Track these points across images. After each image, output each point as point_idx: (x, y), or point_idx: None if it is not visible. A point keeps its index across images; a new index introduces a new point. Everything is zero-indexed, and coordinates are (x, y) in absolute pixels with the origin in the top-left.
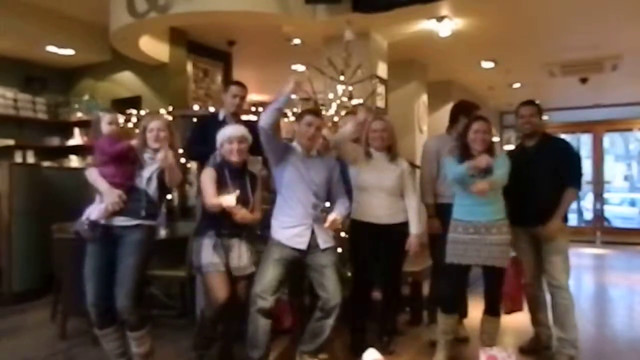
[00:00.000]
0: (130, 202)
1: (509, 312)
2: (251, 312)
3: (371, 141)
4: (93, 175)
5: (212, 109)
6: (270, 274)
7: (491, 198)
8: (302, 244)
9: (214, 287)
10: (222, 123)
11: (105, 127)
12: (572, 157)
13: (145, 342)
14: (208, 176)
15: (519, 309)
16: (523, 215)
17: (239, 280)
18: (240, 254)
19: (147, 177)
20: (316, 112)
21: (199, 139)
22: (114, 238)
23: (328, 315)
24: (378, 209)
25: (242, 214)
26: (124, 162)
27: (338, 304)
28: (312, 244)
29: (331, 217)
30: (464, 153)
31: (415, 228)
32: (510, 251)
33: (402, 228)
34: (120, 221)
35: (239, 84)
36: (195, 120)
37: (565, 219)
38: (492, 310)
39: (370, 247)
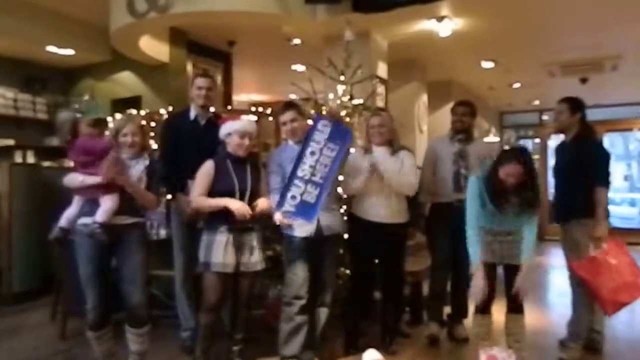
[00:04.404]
0: (126, 201)
1: (622, 305)
2: (288, 314)
3: (371, 137)
4: (79, 178)
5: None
6: (300, 273)
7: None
8: (308, 232)
9: (211, 287)
10: (194, 122)
11: (84, 129)
12: (597, 157)
13: (146, 340)
14: (204, 172)
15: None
16: (555, 210)
17: (245, 275)
18: (253, 250)
19: (136, 178)
20: (286, 105)
21: (170, 153)
22: (114, 237)
23: (322, 304)
24: (379, 207)
25: (243, 211)
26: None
27: (330, 294)
28: (318, 231)
29: None
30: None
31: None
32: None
33: (403, 229)
34: (122, 219)
35: (204, 75)
36: (164, 127)
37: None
38: (516, 308)
39: (370, 246)
